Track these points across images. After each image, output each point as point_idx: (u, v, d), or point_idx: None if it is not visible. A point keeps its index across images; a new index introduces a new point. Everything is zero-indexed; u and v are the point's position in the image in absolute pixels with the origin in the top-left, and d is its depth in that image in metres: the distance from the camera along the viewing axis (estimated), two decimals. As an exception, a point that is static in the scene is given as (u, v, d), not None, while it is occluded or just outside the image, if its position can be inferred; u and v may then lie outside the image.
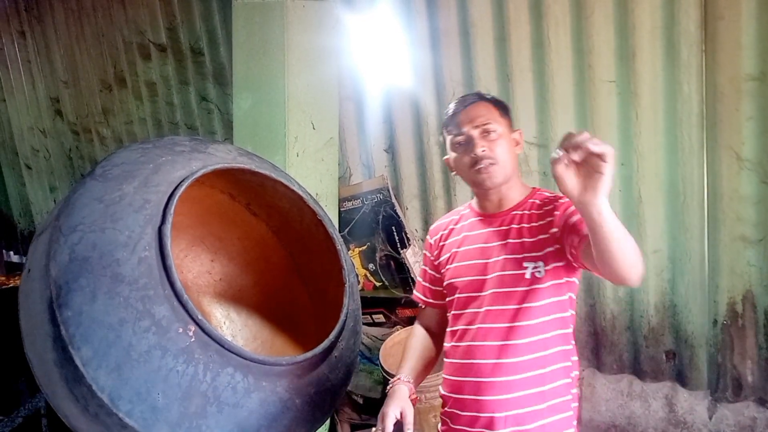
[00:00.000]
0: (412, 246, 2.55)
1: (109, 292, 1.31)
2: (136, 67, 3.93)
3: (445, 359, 1.42)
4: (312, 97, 2.38)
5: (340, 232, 2.64)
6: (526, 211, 1.35)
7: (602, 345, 2.45)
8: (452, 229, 1.46)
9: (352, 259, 2.65)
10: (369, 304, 2.62)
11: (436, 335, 1.53)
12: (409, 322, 2.57)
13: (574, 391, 1.34)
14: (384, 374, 2.28)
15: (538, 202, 1.36)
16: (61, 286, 1.31)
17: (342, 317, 1.59)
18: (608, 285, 2.38)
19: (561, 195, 1.31)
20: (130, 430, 1.30)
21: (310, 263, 1.94)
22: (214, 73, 3.51)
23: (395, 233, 2.56)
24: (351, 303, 1.66)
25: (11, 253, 5.69)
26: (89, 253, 1.34)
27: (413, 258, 2.49)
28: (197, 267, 2.01)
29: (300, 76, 2.30)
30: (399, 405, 1.33)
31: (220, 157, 1.66)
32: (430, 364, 1.50)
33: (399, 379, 1.42)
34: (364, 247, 2.65)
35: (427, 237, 1.54)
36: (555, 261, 1.28)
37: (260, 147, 2.26)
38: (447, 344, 1.42)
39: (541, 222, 1.31)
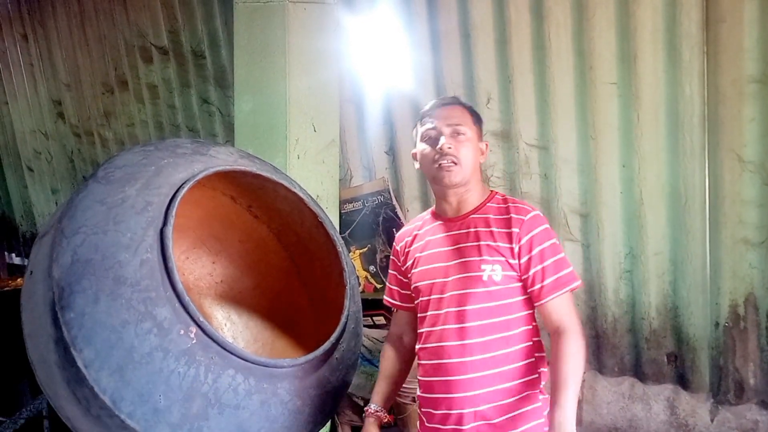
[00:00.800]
0: (413, 248, 2.55)
1: (111, 294, 1.31)
2: (138, 69, 3.94)
3: (417, 361, 1.48)
4: (313, 99, 2.38)
5: (340, 234, 2.63)
6: (484, 215, 1.41)
7: (603, 347, 2.44)
8: (416, 235, 1.52)
9: (352, 261, 2.64)
10: (370, 306, 2.61)
11: (411, 339, 1.58)
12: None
13: (543, 384, 1.39)
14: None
15: (495, 206, 1.42)
16: (63, 288, 1.31)
17: (343, 319, 1.60)
18: (609, 287, 2.38)
19: (525, 206, 1.40)
20: (131, 431, 1.30)
21: (310, 265, 1.94)
22: (215, 76, 3.52)
23: (396, 235, 2.56)
24: (352, 305, 1.66)
25: (13, 255, 5.70)
26: (92, 255, 1.34)
27: (414, 260, 2.50)
28: (198, 269, 2.01)
29: (301, 78, 2.31)
30: None
31: (222, 159, 1.67)
32: (401, 379, 1.60)
33: (369, 410, 1.52)
34: (365, 249, 2.65)
35: (394, 244, 1.61)
36: (511, 268, 1.35)
37: (261, 149, 2.26)
38: (417, 346, 1.48)
39: (500, 229, 1.37)
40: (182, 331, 1.35)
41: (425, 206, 2.83)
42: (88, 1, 4.09)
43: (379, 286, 2.65)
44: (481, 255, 1.36)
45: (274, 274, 1.99)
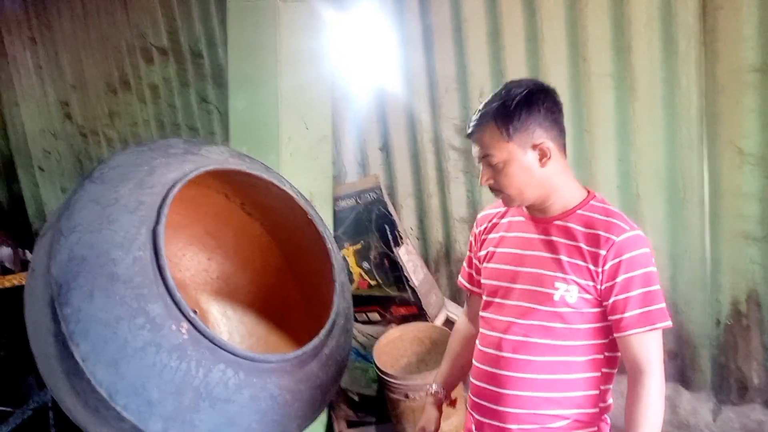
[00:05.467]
0: (405, 244, 2.55)
1: (105, 290, 1.34)
2: (139, 69, 3.97)
3: (474, 362, 1.38)
4: (304, 96, 2.38)
5: (334, 231, 2.64)
6: (570, 224, 1.24)
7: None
8: (495, 224, 1.38)
9: (346, 257, 2.65)
10: (364, 302, 2.62)
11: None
12: (404, 320, 2.57)
13: (603, 417, 1.29)
14: (378, 372, 2.29)
15: (587, 215, 1.24)
16: (61, 285, 1.35)
17: (332, 316, 1.61)
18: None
19: (621, 224, 1.21)
20: (127, 423, 1.33)
21: (302, 261, 1.96)
22: (213, 75, 3.54)
23: (388, 232, 2.56)
24: (341, 301, 1.67)
25: (27, 252, 5.81)
26: (87, 253, 1.38)
27: (406, 256, 2.50)
28: (195, 265, 2.04)
29: (292, 75, 2.30)
30: (421, 424, 1.44)
31: (213, 158, 1.69)
32: (467, 362, 1.43)
33: (429, 390, 1.47)
34: (359, 246, 2.66)
35: (474, 226, 1.46)
36: (589, 292, 1.20)
37: (255, 147, 2.26)
38: (476, 345, 1.37)
39: (586, 246, 1.20)
40: (174, 327, 1.38)
41: (419, 202, 2.83)
42: (91, 3, 4.14)
43: (372, 282, 2.66)
44: (556, 270, 1.21)
45: (267, 270, 2.01)
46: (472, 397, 1.36)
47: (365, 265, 2.62)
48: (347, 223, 2.62)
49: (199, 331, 1.39)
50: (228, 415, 1.41)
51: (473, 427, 1.36)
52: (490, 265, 1.34)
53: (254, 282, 2.02)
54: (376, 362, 2.29)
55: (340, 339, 1.66)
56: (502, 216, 1.37)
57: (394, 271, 2.53)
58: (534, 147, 1.21)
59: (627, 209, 2.24)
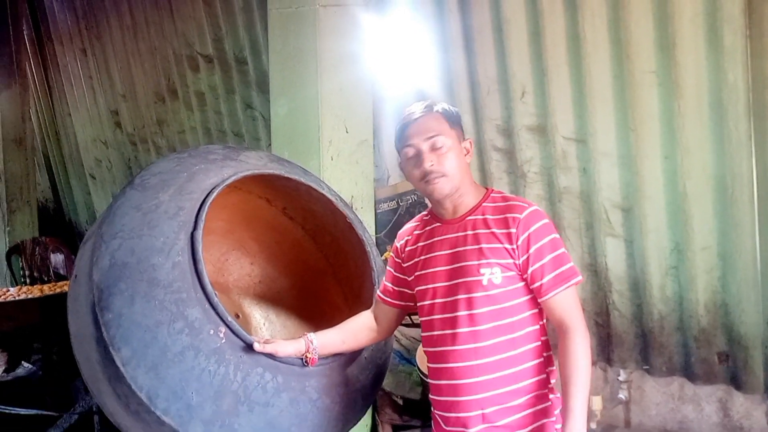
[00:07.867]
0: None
1: (145, 296, 1.37)
2: (186, 78, 4.10)
3: (427, 364, 1.47)
4: (345, 100, 2.40)
5: (377, 233, 2.65)
6: (480, 216, 1.39)
7: (651, 346, 2.36)
8: (416, 235, 1.50)
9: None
10: (408, 304, 2.62)
11: (376, 331, 1.57)
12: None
13: (553, 382, 1.38)
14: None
15: (492, 205, 1.40)
16: (102, 290, 1.38)
17: (371, 319, 1.60)
18: (655, 284, 2.30)
19: (521, 203, 1.38)
20: (167, 427, 1.35)
21: (345, 264, 1.97)
22: (257, 81, 3.62)
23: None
24: (381, 305, 1.66)
25: (80, 257, 6.08)
26: (128, 259, 1.41)
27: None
28: (238, 270, 2.07)
29: (332, 80, 2.34)
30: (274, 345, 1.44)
31: (252, 163, 1.71)
32: (349, 345, 1.55)
33: (308, 337, 1.47)
34: (400, 249, 2.66)
35: (395, 241, 1.59)
36: (511, 269, 1.34)
37: (296, 152, 2.31)
38: (424, 349, 1.47)
39: (498, 230, 1.35)
40: (212, 331, 1.40)
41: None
42: (140, 14, 4.30)
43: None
44: (479, 258, 1.34)
45: (309, 273, 2.03)
46: (433, 396, 1.43)
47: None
48: (390, 226, 2.62)
49: (237, 335, 1.41)
50: (267, 418, 1.42)
51: (441, 423, 1.41)
52: (420, 272, 1.45)
53: (296, 285, 2.04)
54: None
55: (380, 342, 1.66)
56: (420, 228, 1.50)
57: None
58: (464, 141, 1.43)
59: (674, 208, 2.20)
